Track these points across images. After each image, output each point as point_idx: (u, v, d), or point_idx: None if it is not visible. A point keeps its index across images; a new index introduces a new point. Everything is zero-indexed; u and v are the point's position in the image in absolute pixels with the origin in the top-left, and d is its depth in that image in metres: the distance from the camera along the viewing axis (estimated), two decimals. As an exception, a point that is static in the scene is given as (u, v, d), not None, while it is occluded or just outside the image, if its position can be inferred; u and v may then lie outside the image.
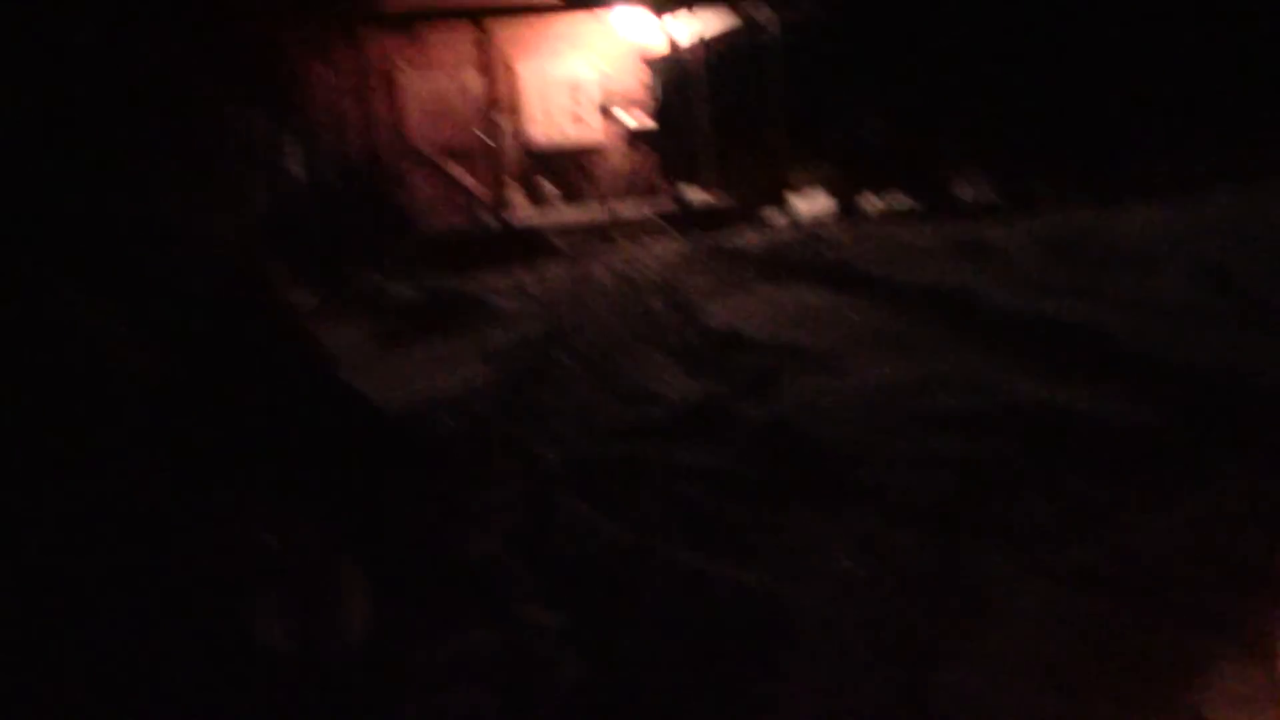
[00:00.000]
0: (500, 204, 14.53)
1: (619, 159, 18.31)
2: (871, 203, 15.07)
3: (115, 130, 0.92)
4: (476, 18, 14.37)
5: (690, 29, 16.99)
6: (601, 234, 13.64)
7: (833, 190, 15.02)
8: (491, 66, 14.24)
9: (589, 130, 18.28)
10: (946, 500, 3.03)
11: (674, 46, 15.16)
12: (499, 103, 14.95)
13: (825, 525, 3.04)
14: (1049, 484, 3.06)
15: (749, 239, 12.64)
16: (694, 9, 16.19)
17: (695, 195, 16.56)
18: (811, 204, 17.71)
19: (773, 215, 15.46)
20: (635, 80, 18.63)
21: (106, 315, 0.88)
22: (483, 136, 16.49)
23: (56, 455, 0.80)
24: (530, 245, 13.10)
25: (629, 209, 15.86)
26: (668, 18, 14.98)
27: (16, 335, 0.81)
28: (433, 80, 17.67)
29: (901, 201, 15.06)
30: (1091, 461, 3.19)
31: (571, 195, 17.97)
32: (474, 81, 16.96)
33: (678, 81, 15.30)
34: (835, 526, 3.00)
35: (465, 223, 15.74)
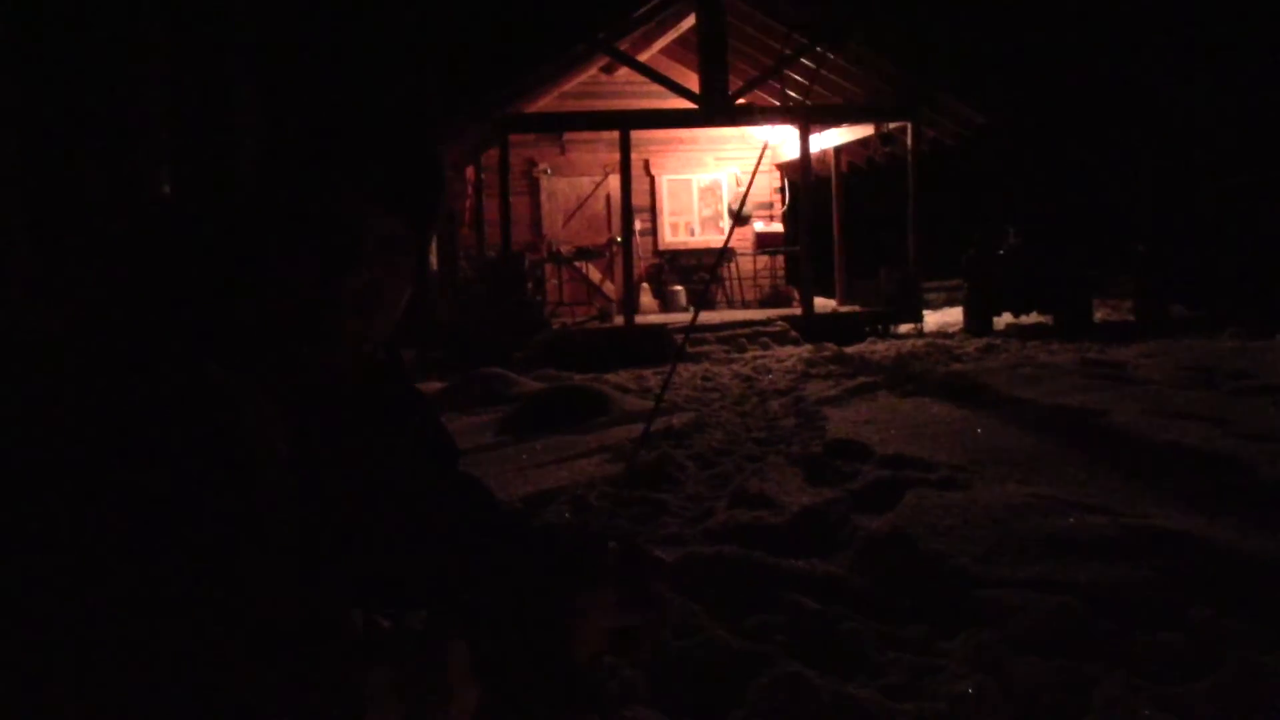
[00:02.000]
0: (630, 303, 14.75)
1: (749, 263, 18.47)
2: (1006, 319, 14.82)
3: (269, 223, 0.98)
4: (618, 124, 14.80)
5: (826, 139, 17.17)
6: (728, 337, 13.69)
7: (966, 304, 14.83)
8: (630, 170, 14.60)
9: (721, 234, 18.52)
10: (1071, 626, 2.92)
11: (809, 155, 15.32)
12: (634, 205, 15.30)
13: (942, 644, 2.95)
14: (1179, 614, 2.93)
15: (876, 348, 12.54)
16: (839, 124, 16.38)
17: (823, 301, 16.55)
18: (942, 316, 17.51)
19: (902, 326, 15.33)
20: (769, 187, 18.87)
21: (259, 396, 0.93)
22: (616, 238, 16.84)
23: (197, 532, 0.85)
24: (657, 345, 13.22)
25: (756, 313, 15.92)
26: (807, 128, 15.17)
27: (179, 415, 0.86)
28: (572, 182, 18.21)
29: (1037, 320, 14.77)
30: (1223, 593, 3.04)
31: (701, 297, 18.16)
32: (612, 184, 17.41)
33: (811, 189, 15.42)
34: (953, 646, 2.91)
35: (595, 320, 16.02)
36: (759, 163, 6.80)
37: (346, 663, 0.91)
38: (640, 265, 17.48)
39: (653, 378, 10.83)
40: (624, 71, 16.54)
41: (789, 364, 11.01)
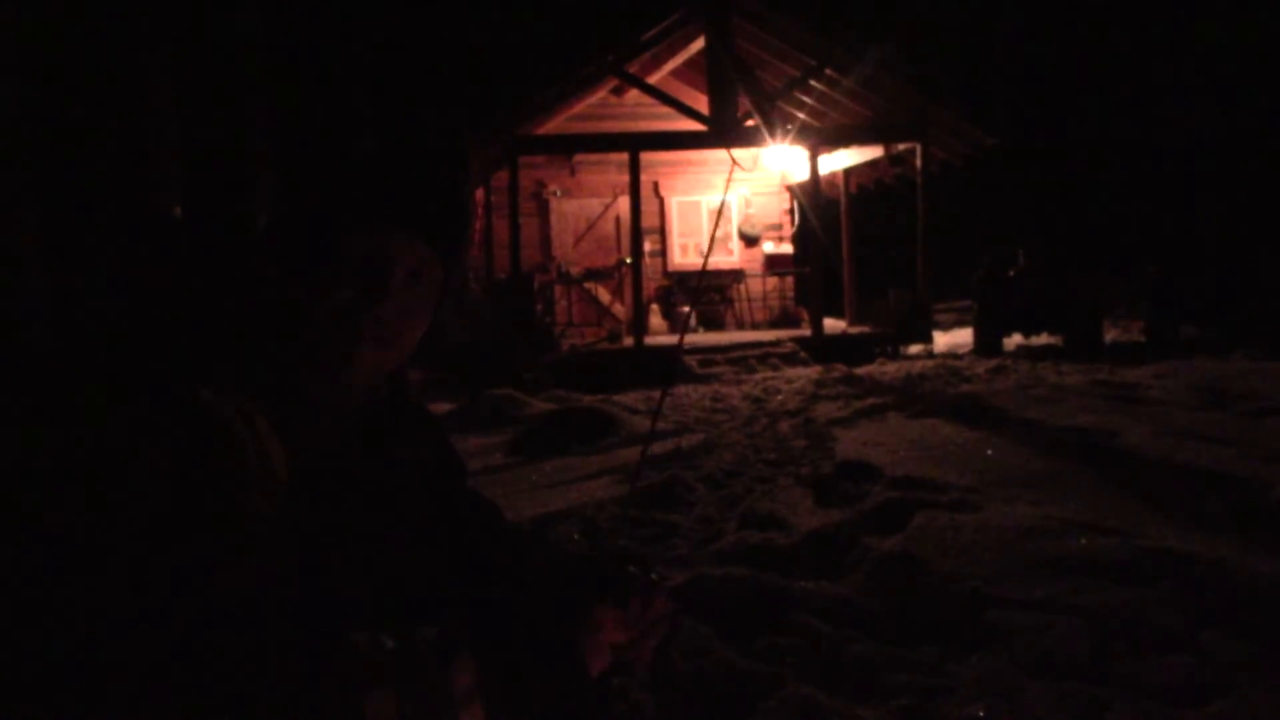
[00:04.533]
0: (639, 324, 14.76)
1: (758, 284, 18.48)
2: (1016, 340, 14.79)
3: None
4: (628, 146, 14.85)
5: (835, 160, 17.20)
6: (737, 358, 13.69)
7: (976, 325, 14.81)
8: (639, 192, 14.64)
9: (730, 255, 18.54)
10: (1082, 649, 2.90)
11: (818, 176, 15.35)
12: (644, 227, 15.33)
13: (953, 666, 2.94)
14: (1190, 636, 2.91)
15: (886, 369, 12.53)
16: (848, 146, 16.41)
17: (832, 323, 16.54)
18: (952, 337, 17.48)
19: (911, 347, 15.30)
20: (778, 208, 18.90)
21: (257, 419, 0.93)
22: (626, 259, 16.87)
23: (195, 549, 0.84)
24: (666, 366, 13.22)
25: (766, 334, 15.92)
26: (816, 150, 15.20)
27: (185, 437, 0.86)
28: (582, 204, 18.27)
29: (1048, 341, 14.75)
30: (1234, 616, 3.02)
31: (710, 318, 18.16)
32: (621, 206, 17.45)
33: (820, 211, 15.45)
34: (963, 668, 2.90)
35: (605, 341, 16.03)
36: (729, 178, 6.81)
37: (348, 684, 0.91)
38: (649, 286, 17.50)
39: (662, 398, 10.82)
40: (633, 93, 16.60)
41: (798, 385, 11.00)
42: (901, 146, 15.78)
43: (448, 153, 1.15)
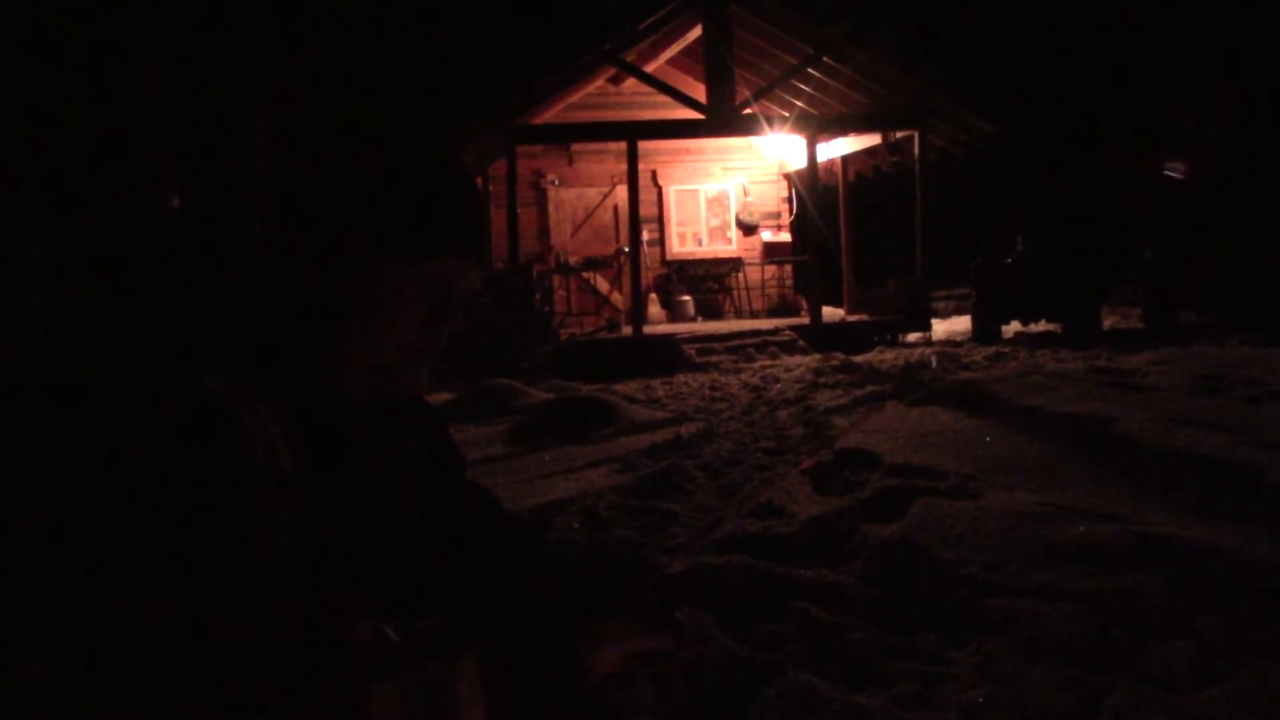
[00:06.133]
0: (638, 314, 14.75)
1: (757, 273, 18.47)
2: (1015, 327, 14.79)
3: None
4: (625, 135, 14.83)
5: (834, 148, 17.18)
6: (736, 346, 13.69)
7: (974, 313, 14.81)
8: (637, 181, 14.62)
9: (728, 244, 18.53)
10: (1080, 635, 2.90)
11: (816, 164, 15.33)
12: (642, 216, 15.32)
13: (952, 653, 2.94)
14: (1189, 623, 2.91)
15: (884, 356, 12.53)
16: (846, 134, 16.39)
17: (831, 311, 16.54)
18: (950, 325, 17.48)
19: (910, 334, 15.30)
20: (776, 196, 18.89)
21: (260, 409, 0.93)
22: (624, 248, 16.85)
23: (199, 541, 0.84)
24: (665, 355, 13.22)
25: (764, 322, 15.92)
26: (815, 138, 15.18)
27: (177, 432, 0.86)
28: (580, 193, 18.24)
29: (1046, 328, 14.74)
30: (1234, 601, 3.02)
31: (708, 306, 18.15)
32: (619, 195, 17.43)
33: (818, 199, 15.43)
34: (963, 655, 2.90)
35: (603, 331, 16.03)
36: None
37: (352, 676, 0.91)
38: (648, 275, 17.50)
39: (661, 388, 10.83)
40: (631, 82, 16.57)
41: (797, 373, 11.00)
42: (900, 134, 15.77)
43: (459, 164, 1.17)
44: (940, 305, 19.47)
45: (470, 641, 1.02)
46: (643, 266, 15.69)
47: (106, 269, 1.03)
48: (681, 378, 11.70)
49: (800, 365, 11.74)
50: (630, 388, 10.80)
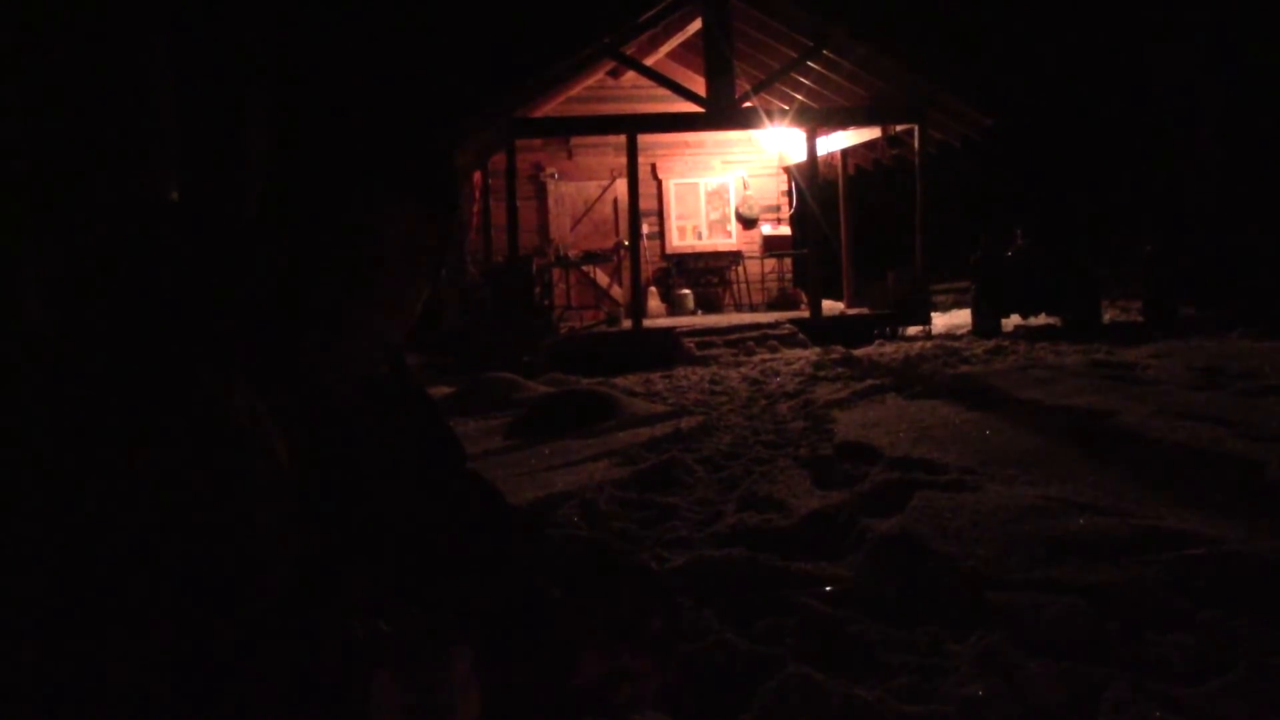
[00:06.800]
0: (638, 307, 14.75)
1: (756, 266, 18.46)
2: (1014, 321, 14.79)
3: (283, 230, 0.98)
4: (625, 128, 14.81)
5: (833, 141, 17.16)
6: (736, 340, 13.68)
7: (974, 306, 14.80)
8: (637, 174, 14.61)
9: (728, 237, 18.52)
10: (1081, 628, 2.90)
11: (816, 158, 15.31)
12: (642, 209, 15.31)
13: (952, 646, 2.94)
14: (1189, 615, 2.91)
15: (884, 350, 12.53)
16: (846, 127, 16.37)
17: (831, 304, 16.53)
18: (950, 318, 17.48)
19: (910, 328, 15.30)
20: (776, 190, 18.87)
21: (255, 400, 0.92)
22: (624, 242, 16.84)
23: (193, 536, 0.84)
24: (665, 348, 13.22)
25: (764, 316, 15.91)
26: (814, 131, 15.16)
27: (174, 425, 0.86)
28: (580, 186, 18.22)
29: (1046, 321, 14.74)
30: (1233, 594, 3.03)
31: (708, 300, 18.14)
32: (619, 188, 17.42)
33: (818, 192, 15.42)
34: (962, 648, 2.90)
35: (603, 324, 16.02)
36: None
37: (349, 668, 0.90)
38: (648, 269, 17.48)
39: (660, 381, 10.83)
40: (630, 75, 16.55)
41: (797, 367, 11.00)
42: (900, 128, 15.74)
43: (435, 116, 1.17)
44: (940, 299, 19.47)
45: (467, 633, 1.02)
46: (642, 260, 15.67)
47: (100, 263, 1.03)
48: (681, 371, 11.70)
49: (800, 359, 11.73)
50: (630, 381, 10.79)
